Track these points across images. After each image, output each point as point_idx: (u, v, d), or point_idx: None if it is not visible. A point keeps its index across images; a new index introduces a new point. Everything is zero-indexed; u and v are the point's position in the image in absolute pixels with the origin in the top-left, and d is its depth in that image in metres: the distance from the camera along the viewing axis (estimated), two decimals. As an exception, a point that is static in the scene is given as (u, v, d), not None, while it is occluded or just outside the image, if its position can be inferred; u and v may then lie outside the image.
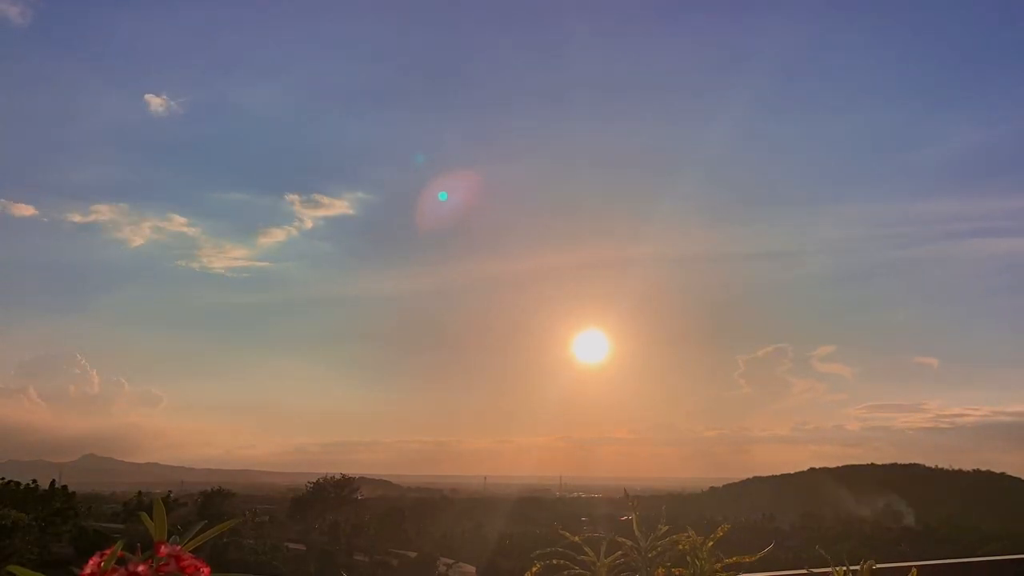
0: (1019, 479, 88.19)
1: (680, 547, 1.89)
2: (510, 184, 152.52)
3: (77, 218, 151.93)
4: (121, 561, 1.17)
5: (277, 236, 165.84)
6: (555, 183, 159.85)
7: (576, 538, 1.90)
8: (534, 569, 1.88)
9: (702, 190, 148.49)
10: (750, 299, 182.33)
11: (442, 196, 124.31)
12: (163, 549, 1.20)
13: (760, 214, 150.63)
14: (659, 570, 1.89)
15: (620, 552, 1.90)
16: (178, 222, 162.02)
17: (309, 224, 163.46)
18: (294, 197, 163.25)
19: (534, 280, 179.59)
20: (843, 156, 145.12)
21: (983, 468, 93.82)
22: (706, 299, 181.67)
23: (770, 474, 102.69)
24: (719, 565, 1.89)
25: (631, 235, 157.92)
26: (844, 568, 1.90)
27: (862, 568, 1.89)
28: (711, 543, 1.91)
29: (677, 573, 1.89)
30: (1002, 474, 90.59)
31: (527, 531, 52.98)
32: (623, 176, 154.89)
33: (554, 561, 1.90)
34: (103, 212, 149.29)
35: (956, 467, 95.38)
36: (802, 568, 2.18)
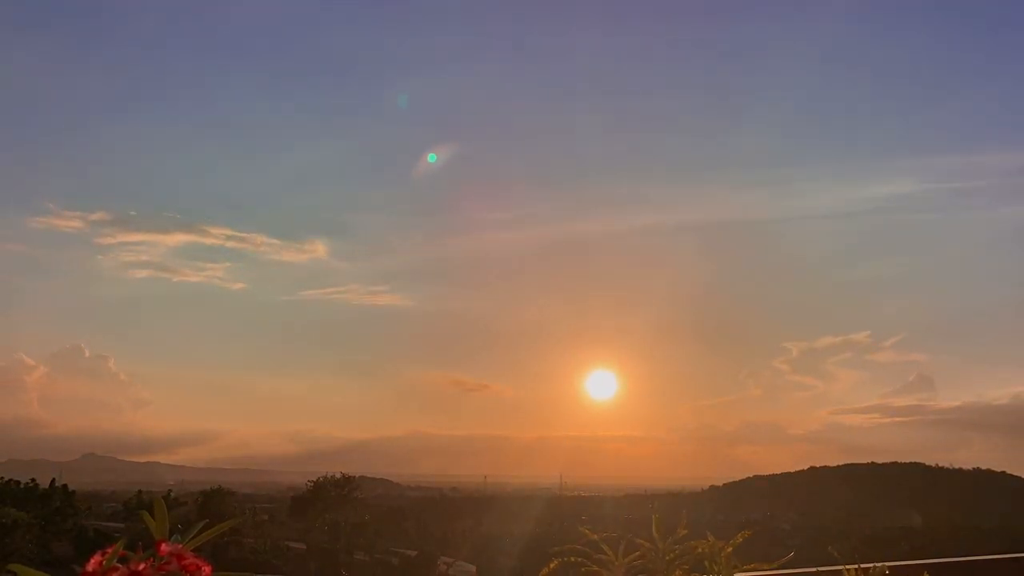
0: (1019, 477, 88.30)
1: (698, 552, 1.89)
2: (512, 143, 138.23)
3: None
4: (122, 560, 1.16)
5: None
6: (563, 141, 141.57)
7: (596, 536, 1.91)
8: (552, 565, 1.89)
9: (741, 146, 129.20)
10: (797, 271, 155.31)
11: (431, 158, 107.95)
12: (164, 548, 1.19)
13: (810, 171, 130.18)
14: (676, 573, 1.88)
15: (638, 553, 1.90)
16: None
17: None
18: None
19: (540, 255, 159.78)
20: (902, 98, 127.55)
21: (983, 467, 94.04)
22: (744, 273, 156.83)
23: (770, 473, 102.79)
24: (737, 571, 1.89)
25: (659, 201, 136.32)
26: (855, 567, 1.90)
27: (873, 569, 1.89)
28: (730, 549, 1.91)
29: None
30: (1002, 472, 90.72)
31: (527, 530, 53.08)
32: (649, 131, 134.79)
33: (571, 559, 1.90)
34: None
35: (956, 466, 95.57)
36: (808, 567, 2.18)
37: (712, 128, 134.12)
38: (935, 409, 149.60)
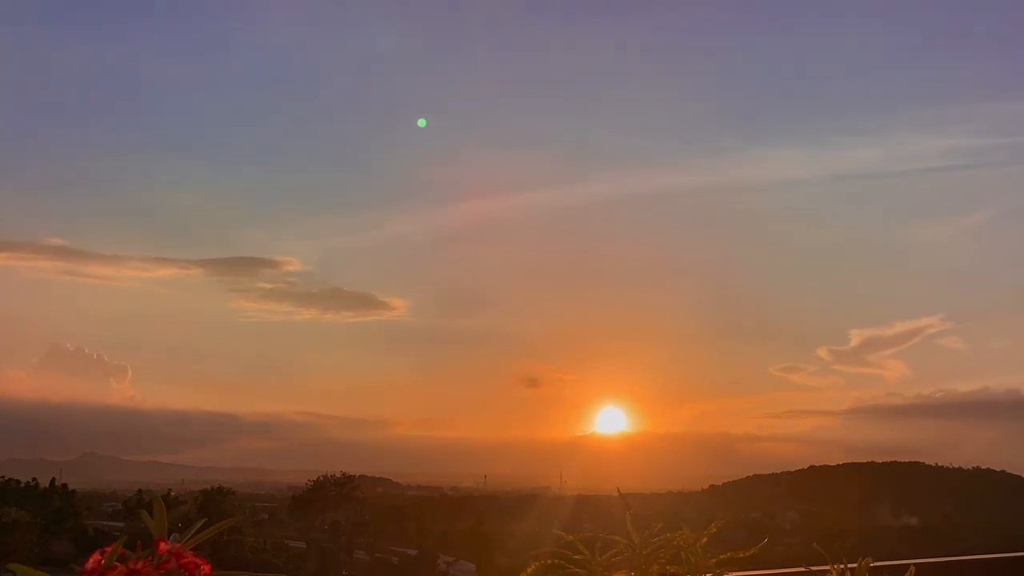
0: (1019, 477, 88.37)
1: (674, 544, 1.90)
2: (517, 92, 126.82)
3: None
4: (121, 559, 1.17)
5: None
6: (563, 91, 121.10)
7: (571, 537, 1.92)
8: (529, 570, 1.90)
9: (762, 98, 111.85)
10: (836, 241, 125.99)
11: (421, 123, 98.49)
12: (163, 547, 1.20)
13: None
14: (654, 567, 1.90)
15: (615, 551, 1.91)
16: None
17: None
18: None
19: (537, 226, 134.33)
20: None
21: (983, 466, 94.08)
22: (769, 244, 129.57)
23: (770, 472, 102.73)
24: (713, 561, 1.91)
25: (678, 161, 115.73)
26: (842, 566, 1.91)
27: (859, 566, 1.90)
28: (704, 539, 1.93)
29: (672, 571, 1.91)
30: (1001, 471, 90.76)
31: (527, 529, 53.13)
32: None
33: (549, 561, 1.92)
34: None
35: (956, 465, 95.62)
36: (800, 566, 2.20)
37: (732, 76, 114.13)
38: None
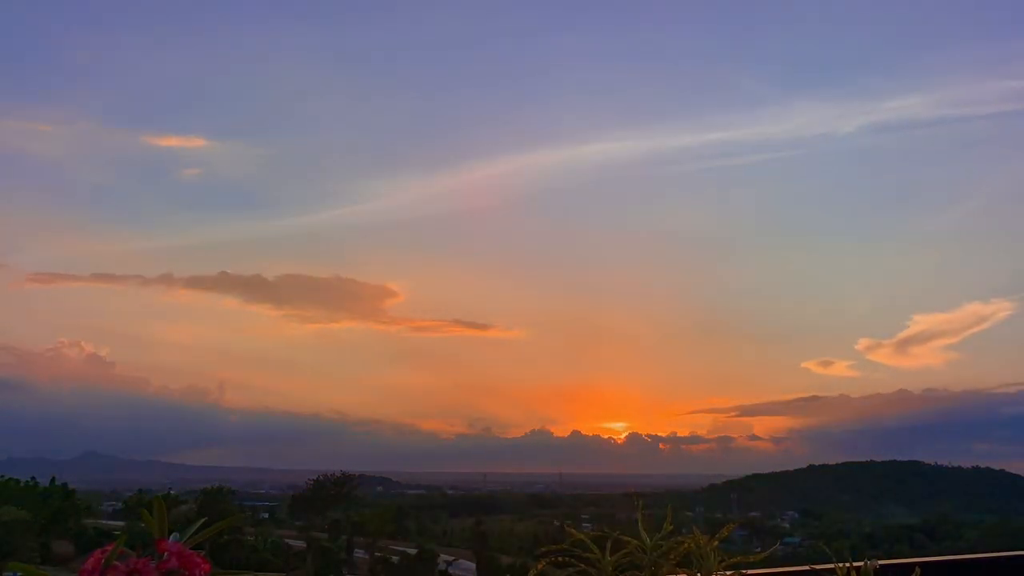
0: (1019, 476, 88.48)
1: (684, 547, 1.90)
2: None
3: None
4: (122, 558, 1.17)
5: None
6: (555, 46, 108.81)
7: (582, 535, 1.91)
8: (539, 566, 1.89)
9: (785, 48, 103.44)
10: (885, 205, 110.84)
11: None
12: (163, 546, 1.20)
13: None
14: (664, 569, 1.89)
15: (625, 551, 1.91)
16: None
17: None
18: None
19: (530, 203, 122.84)
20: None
21: (982, 465, 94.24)
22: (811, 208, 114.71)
23: (770, 471, 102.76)
24: (723, 564, 1.90)
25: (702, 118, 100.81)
26: (847, 565, 1.91)
27: (866, 566, 1.90)
28: (716, 543, 1.92)
29: (682, 573, 1.91)
30: (1001, 471, 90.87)
31: (526, 528, 53.22)
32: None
33: (559, 558, 1.91)
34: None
35: (955, 464, 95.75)
36: (803, 565, 2.20)
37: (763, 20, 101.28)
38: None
